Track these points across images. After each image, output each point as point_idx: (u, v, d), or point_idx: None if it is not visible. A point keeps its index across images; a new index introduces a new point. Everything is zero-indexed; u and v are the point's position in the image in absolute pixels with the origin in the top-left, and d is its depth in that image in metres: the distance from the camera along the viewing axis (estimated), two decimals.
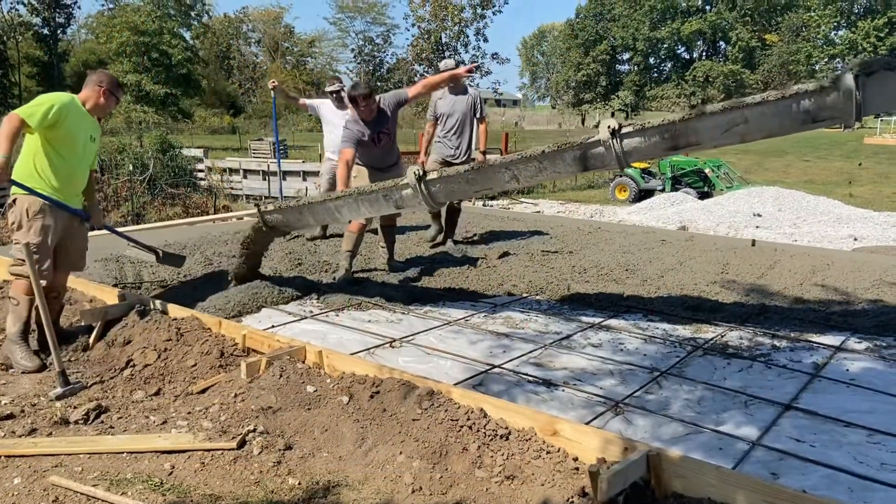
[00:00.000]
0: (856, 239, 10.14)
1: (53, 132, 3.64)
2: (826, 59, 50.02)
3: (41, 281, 3.58)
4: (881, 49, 46.55)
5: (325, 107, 7.05)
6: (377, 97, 5.13)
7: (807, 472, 2.61)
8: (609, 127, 3.44)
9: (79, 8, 55.57)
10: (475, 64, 6.39)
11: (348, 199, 4.31)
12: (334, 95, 6.89)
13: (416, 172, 3.98)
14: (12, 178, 3.61)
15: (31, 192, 3.65)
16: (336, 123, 6.59)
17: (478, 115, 6.59)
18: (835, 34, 50.01)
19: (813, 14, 50.20)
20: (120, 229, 5.57)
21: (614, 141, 3.45)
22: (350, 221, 5.16)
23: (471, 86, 7.07)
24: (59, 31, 49.38)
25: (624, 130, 3.45)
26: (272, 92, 7.48)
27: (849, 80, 3.02)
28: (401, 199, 4.15)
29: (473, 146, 6.64)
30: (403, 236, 7.15)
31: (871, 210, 13.17)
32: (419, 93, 5.30)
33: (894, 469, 2.63)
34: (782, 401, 3.26)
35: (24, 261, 3.57)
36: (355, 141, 5.10)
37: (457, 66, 6.56)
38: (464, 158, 6.50)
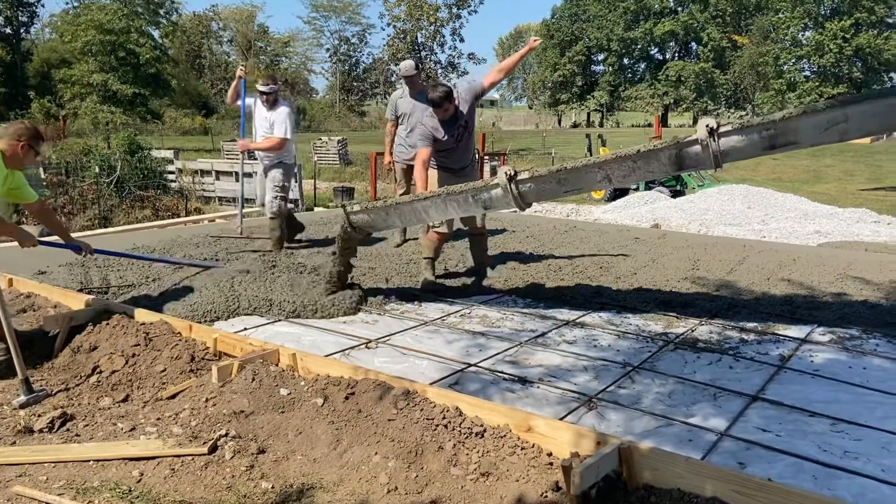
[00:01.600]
0: (821, 234, 10.34)
1: None
2: (793, 61, 50.88)
3: None
4: (846, 50, 47.46)
5: (257, 107, 6.40)
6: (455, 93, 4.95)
7: (773, 461, 2.66)
8: (707, 126, 3.37)
9: (42, 7, 54.50)
10: (537, 40, 5.76)
11: (436, 199, 4.24)
12: (265, 97, 6.23)
13: (508, 172, 3.91)
14: None
15: None
16: (264, 128, 6.24)
17: None
18: (802, 35, 50.89)
19: (781, 16, 51.03)
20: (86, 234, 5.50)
21: (712, 140, 3.38)
22: (436, 224, 5.04)
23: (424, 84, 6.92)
24: (21, 31, 48.36)
25: (722, 129, 3.38)
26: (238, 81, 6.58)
27: None
28: (490, 200, 4.10)
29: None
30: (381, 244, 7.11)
31: (837, 206, 13.46)
32: (496, 80, 5.09)
33: (857, 457, 2.69)
34: (750, 392, 3.31)
35: None
36: (431, 139, 4.91)
37: (417, 67, 6.47)
38: None
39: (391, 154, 6.80)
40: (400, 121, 6.51)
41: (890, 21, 47.88)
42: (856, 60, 49.08)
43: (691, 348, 3.95)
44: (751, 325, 4.39)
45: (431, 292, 5.11)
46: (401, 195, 6.40)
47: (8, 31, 47.24)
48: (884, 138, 32.15)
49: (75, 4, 47.97)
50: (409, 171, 6.44)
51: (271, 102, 6.17)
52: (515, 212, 4.53)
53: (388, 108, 6.70)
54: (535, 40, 5.30)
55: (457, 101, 4.91)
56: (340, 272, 4.74)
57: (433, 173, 5.11)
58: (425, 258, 5.33)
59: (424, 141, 4.91)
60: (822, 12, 50.23)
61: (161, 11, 47.25)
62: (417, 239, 6.65)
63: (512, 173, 3.91)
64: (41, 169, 12.91)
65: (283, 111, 6.18)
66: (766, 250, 6.77)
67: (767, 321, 4.46)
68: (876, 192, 18.40)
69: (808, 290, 5.21)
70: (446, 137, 4.93)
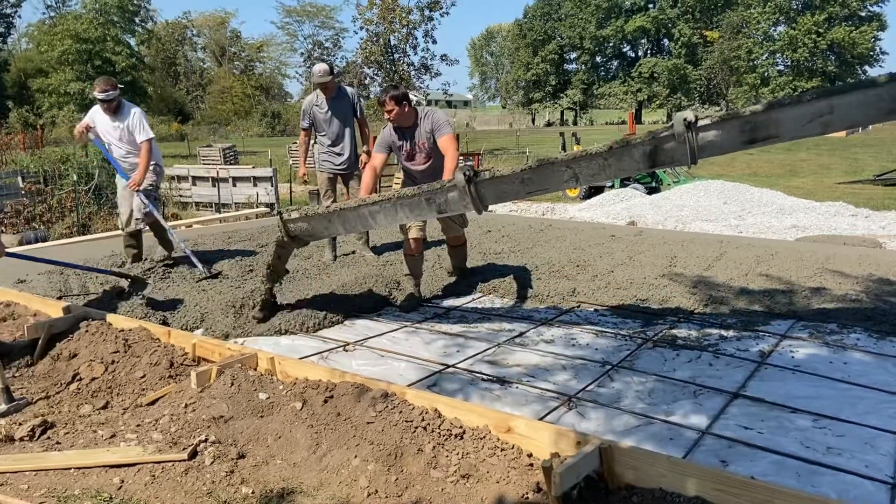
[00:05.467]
0: (798, 229, 10.48)
1: None
2: (766, 55, 51.54)
3: None
4: (821, 44, 48.18)
5: (98, 118, 5.67)
6: (419, 107, 4.82)
7: (755, 458, 2.66)
8: (685, 119, 3.22)
9: (19, 17, 53.79)
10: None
11: (385, 203, 3.96)
12: (106, 105, 5.55)
13: (466, 173, 3.70)
14: None
15: None
16: (113, 137, 5.63)
17: (358, 116, 6.26)
18: (774, 30, 51.57)
19: (752, 11, 51.67)
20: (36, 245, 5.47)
21: (689, 135, 3.23)
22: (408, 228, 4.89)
23: (348, 85, 6.63)
24: None
25: (700, 123, 3.24)
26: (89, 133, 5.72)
27: None
28: (445, 203, 3.85)
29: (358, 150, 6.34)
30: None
31: (813, 200, 13.60)
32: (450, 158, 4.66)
33: (840, 453, 2.70)
34: (730, 389, 3.32)
35: None
36: (386, 146, 4.81)
37: (331, 69, 6.13)
38: (347, 166, 6.23)
39: (305, 165, 6.57)
40: (318, 129, 6.23)
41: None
42: (829, 55, 49.81)
43: (670, 346, 3.98)
44: (730, 321, 4.42)
45: (414, 311, 4.86)
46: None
47: None
48: (859, 130, 32.50)
49: (51, 14, 47.57)
50: (335, 179, 6.31)
51: (114, 110, 5.56)
52: (490, 211, 4.41)
53: (301, 117, 6.34)
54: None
55: (422, 118, 4.77)
56: (270, 290, 4.52)
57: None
58: (407, 275, 5.11)
59: (378, 147, 4.83)
60: (795, 6, 50.93)
61: (136, 20, 47.00)
62: (353, 253, 6.54)
63: (471, 174, 3.73)
64: (19, 178, 12.75)
65: (134, 113, 5.62)
66: (743, 245, 6.85)
67: (746, 317, 4.49)
68: (853, 185, 18.67)
69: (786, 284, 5.27)
70: (403, 145, 4.80)
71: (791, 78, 49.74)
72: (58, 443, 2.96)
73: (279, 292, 4.87)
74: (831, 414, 3.05)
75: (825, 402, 3.18)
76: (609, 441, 2.45)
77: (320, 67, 6.09)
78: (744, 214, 12.36)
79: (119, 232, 6.39)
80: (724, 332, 4.21)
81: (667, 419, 3.02)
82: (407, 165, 4.96)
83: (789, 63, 51.10)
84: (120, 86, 5.72)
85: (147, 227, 5.91)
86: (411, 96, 4.94)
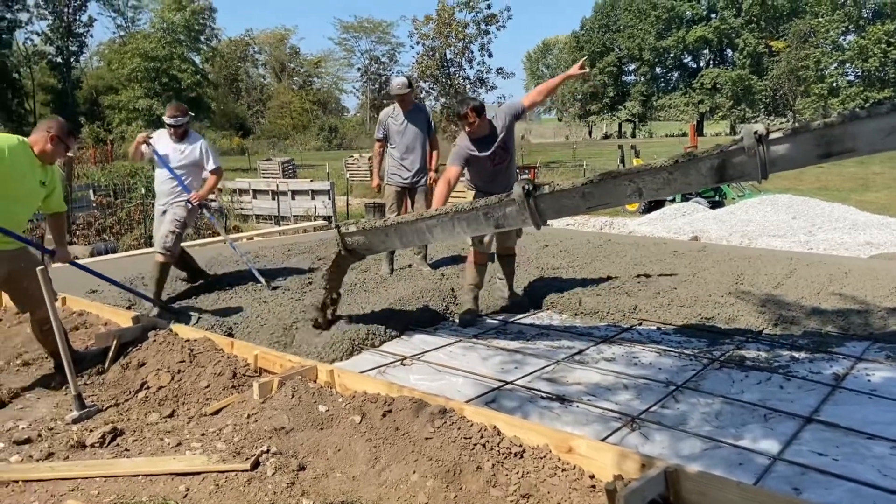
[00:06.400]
0: (873, 246, 10.03)
1: None
2: (836, 65, 49.85)
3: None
4: (892, 53, 46.34)
5: (162, 140, 5.57)
6: (490, 113, 4.71)
7: (830, 486, 2.56)
8: (755, 133, 3.12)
9: (91, 36, 56.64)
10: (584, 69, 5.18)
11: (443, 217, 3.92)
12: (174, 130, 5.48)
13: (525, 187, 3.62)
14: None
15: None
16: (172, 160, 5.45)
17: (430, 134, 6.29)
18: (843, 39, 49.87)
19: (820, 20, 50.11)
20: (88, 260, 5.59)
21: (760, 148, 3.13)
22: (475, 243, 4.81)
23: (418, 100, 6.60)
24: (72, 60, 50.34)
25: (772, 136, 3.14)
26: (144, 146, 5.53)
27: None
28: (503, 218, 3.78)
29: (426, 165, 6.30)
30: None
31: (888, 216, 13.01)
32: (535, 101, 4.89)
33: None
34: (803, 413, 3.20)
35: None
36: (462, 159, 4.66)
37: (409, 83, 6.18)
38: (416, 180, 6.23)
39: (379, 176, 6.54)
40: (390, 141, 6.28)
41: None
42: None
43: (738, 367, 3.84)
44: (802, 342, 4.25)
45: (471, 325, 4.80)
46: None
47: (59, 60, 49.31)
48: None
49: (121, 34, 49.98)
50: (402, 193, 6.31)
51: (180, 135, 5.52)
52: (547, 225, 4.24)
53: (377, 127, 6.39)
54: (581, 68, 4.95)
55: (494, 121, 4.70)
56: (325, 303, 4.43)
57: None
58: (470, 285, 4.97)
59: (454, 159, 4.68)
60: (865, 15, 49.18)
61: (201, 38, 48.89)
62: (410, 267, 6.51)
63: (530, 187, 3.64)
64: (91, 191, 13.35)
65: (202, 143, 5.58)
66: (814, 263, 6.58)
67: (819, 338, 4.31)
68: None
69: (861, 304, 5.03)
70: (482, 155, 4.67)
71: (862, 88, 47.92)
72: (126, 450, 3.05)
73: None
74: None
75: None
76: (675, 465, 2.38)
77: (399, 80, 6.20)
78: (814, 230, 11.91)
79: (182, 244, 6.25)
80: (795, 354, 4.04)
81: (736, 443, 2.91)
82: (485, 172, 4.79)
83: (859, 73, 49.26)
84: (191, 113, 5.76)
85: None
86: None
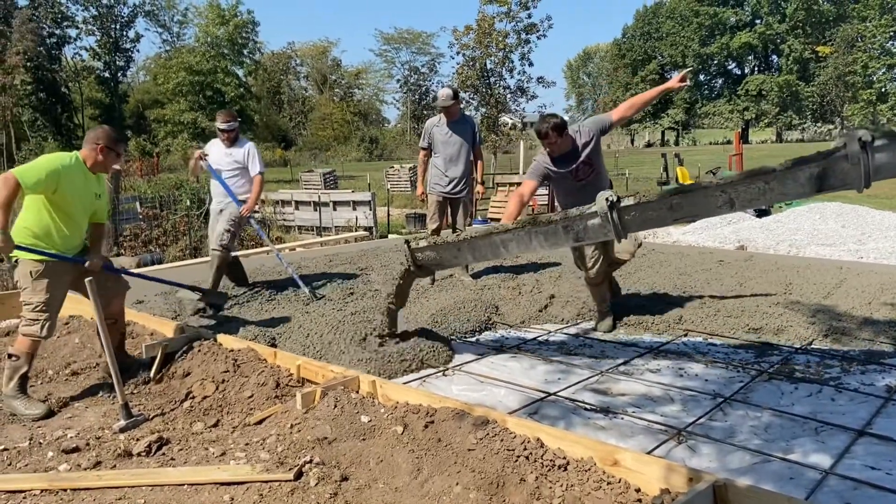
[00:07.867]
0: None
1: (50, 195, 3.64)
2: (884, 69, 48.43)
3: (44, 335, 3.71)
4: None
5: (214, 149, 5.90)
6: (573, 127, 4.61)
7: (884, 501, 2.49)
8: (860, 139, 2.90)
9: (138, 51, 58.24)
10: (684, 80, 5.03)
11: (519, 231, 3.79)
12: (226, 135, 5.78)
13: (609, 198, 3.46)
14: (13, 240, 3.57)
15: (31, 250, 3.66)
16: (224, 166, 5.77)
17: (475, 146, 6.28)
18: (891, 44, 48.43)
19: (868, 24, 48.79)
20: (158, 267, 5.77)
21: (864, 156, 2.91)
22: (587, 266, 4.74)
23: (466, 110, 6.74)
24: (119, 74, 51.90)
25: (877, 143, 2.93)
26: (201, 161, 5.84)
27: None
28: (584, 231, 3.63)
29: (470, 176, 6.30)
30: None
31: None
32: (625, 115, 4.70)
33: None
34: (855, 426, 3.10)
35: (34, 320, 3.67)
36: (540, 175, 4.58)
37: (455, 94, 6.19)
38: (457, 191, 6.22)
39: (423, 184, 6.57)
40: (434, 150, 6.30)
41: None
42: None
43: (788, 378, 3.74)
44: (853, 353, 4.13)
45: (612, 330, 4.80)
46: (433, 230, 6.26)
47: (107, 75, 50.87)
48: None
49: (167, 49, 51.41)
50: (444, 203, 6.31)
51: (231, 140, 5.81)
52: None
53: (422, 136, 6.42)
54: (682, 80, 4.71)
55: (577, 136, 4.56)
56: (393, 318, 4.36)
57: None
58: (599, 300, 4.91)
59: (531, 174, 4.59)
60: None
61: (245, 52, 49.91)
62: (451, 277, 6.46)
63: (614, 199, 3.47)
64: (137, 203, 13.69)
65: (250, 146, 5.87)
66: (865, 272, 6.38)
67: (871, 349, 4.18)
68: None
69: None
70: (562, 171, 4.54)
71: None
72: (172, 459, 3.09)
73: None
74: None
75: None
76: (724, 479, 2.32)
77: (445, 92, 6.22)
78: (864, 239, 11.53)
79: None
80: (846, 365, 3.93)
81: (786, 457, 2.83)
82: (569, 188, 4.68)
83: None
84: (239, 118, 6.04)
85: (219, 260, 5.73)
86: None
